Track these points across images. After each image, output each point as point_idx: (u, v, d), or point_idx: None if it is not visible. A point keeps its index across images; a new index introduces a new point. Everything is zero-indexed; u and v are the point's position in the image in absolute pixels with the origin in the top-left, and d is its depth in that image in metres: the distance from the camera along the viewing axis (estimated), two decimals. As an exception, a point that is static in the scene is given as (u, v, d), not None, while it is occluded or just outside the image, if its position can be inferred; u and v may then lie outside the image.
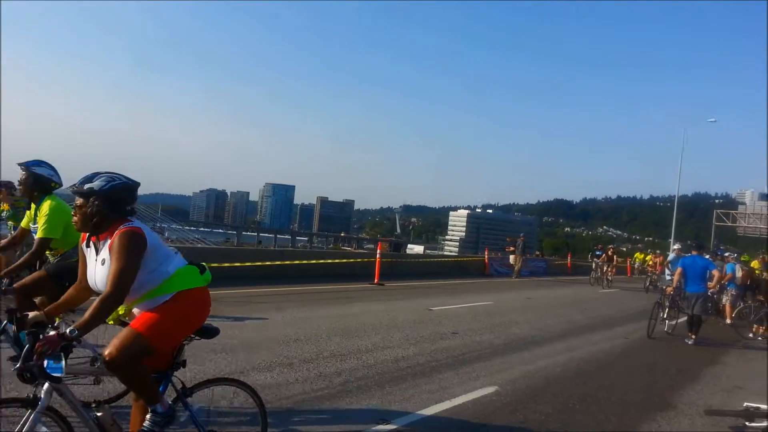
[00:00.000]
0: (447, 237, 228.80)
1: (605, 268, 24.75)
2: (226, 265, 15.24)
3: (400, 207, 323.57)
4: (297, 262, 18.34)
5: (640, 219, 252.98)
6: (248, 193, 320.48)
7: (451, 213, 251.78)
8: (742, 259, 17.56)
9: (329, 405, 5.63)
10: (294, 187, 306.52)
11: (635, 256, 32.85)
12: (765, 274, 16.81)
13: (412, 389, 6.43)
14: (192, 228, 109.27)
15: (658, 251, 31.92)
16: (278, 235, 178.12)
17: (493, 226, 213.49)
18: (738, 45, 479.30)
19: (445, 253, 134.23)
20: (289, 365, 6.95)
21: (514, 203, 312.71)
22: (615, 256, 26.62)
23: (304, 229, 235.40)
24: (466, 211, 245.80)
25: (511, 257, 27.85)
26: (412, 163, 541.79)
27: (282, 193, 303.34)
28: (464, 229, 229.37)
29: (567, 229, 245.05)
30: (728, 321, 14.76)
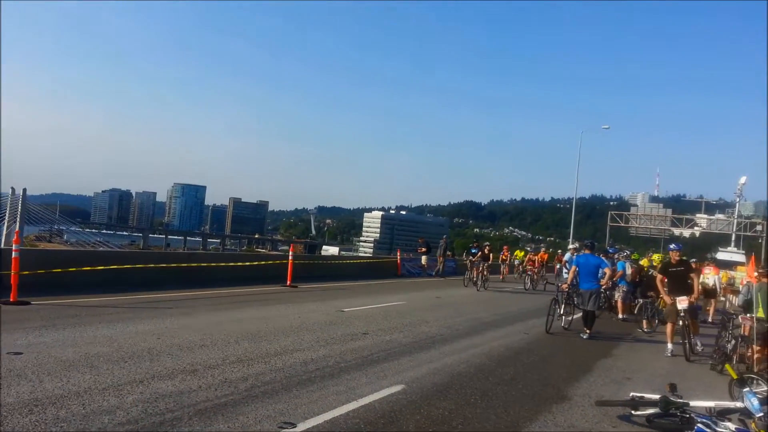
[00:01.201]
0: (362, 238, 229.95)
1: (480, 267, 22.67)
2: (128, 267, 14.62)
3: (315, 208, 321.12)
4: (207, 264, 17.81)
5: (542, 220, 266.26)
6: (155, 194, 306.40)
7: (366, 214, 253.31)
8: (632, 257, 18.88)
9: (234, 411, 5.53)
10: (205, 187, 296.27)
11: (516, 253, 32.75)
12: (653, 271, 18.23)
13: (319, 391, 6.45)
14: (93, 230, 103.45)
15: (543, 248, 32.58)
16: (188, 238, 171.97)
17: (406, 227, 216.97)
18: (628, 56, 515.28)
19: (360, 254, 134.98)
20: (192, 372, 6.77)
21: (426, 204, 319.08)
22: (491, 254, 25.30)
23: (217, 231, 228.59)
24: (380, 213, 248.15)
25: (423, 258, 28.55)
26: (327, 165, 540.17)
27: (192, 193, 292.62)
28: (378, 230, 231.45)
29: (476, 229, 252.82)
30: (620, 316, 15.87)
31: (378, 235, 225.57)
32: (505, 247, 34.42)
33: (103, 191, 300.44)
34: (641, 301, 15.37)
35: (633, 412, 6.71)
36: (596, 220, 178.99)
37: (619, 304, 16.07)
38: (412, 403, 6.39)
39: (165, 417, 5.18)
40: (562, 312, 12.97)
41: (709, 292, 17.71)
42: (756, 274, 11.04)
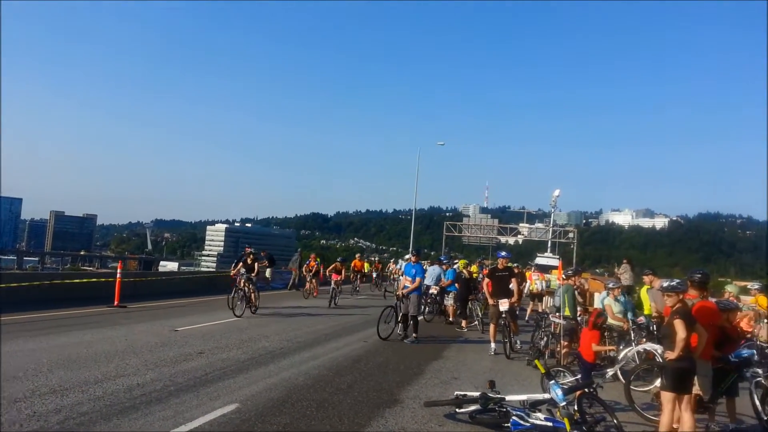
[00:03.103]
0: (204, 252, 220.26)
1: (308, 278, 22.90)
2: None
3: (152, 222, 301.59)
4: (17, 285, 15.86)
5: (385, 231, 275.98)
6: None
7: (209, 227, 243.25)
8: (461, 263, 20.23)
9: (41, 448, 5.00)
10: (21, 200, 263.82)
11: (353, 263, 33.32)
12: (481, 276, 19.69)
13: (143, 418, 6.06)
14: None
15: (375, 258, 33.71)
16: (1, 257, 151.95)
17: (252, 240, 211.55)
18: (462, 75, 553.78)
19: (202, 269, 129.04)
20: (-8, 409, 5.99)
21: (273, 217, 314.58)
22: (321, 266, 24.86)
23: (35, 248, 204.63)
24: (224, 225, 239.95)
25: (267, 270, 28.09)
26: (165, 175, 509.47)
27: (6, 206, 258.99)
28: (222, 243, 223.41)
29: (322, 241, 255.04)
30: (450, 319, 16.91)
31: (222, 248, 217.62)
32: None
33: None
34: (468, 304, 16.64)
35: (457, 410, 7.19)
36: (434, 230, 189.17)
37: (450, 309, 17.13)
38: (246, 421, 6.25)
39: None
40: (400, 319, 13.45)
41: (536, 295, 19.57)
42: (564, 277, 12.43)
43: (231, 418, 6.33)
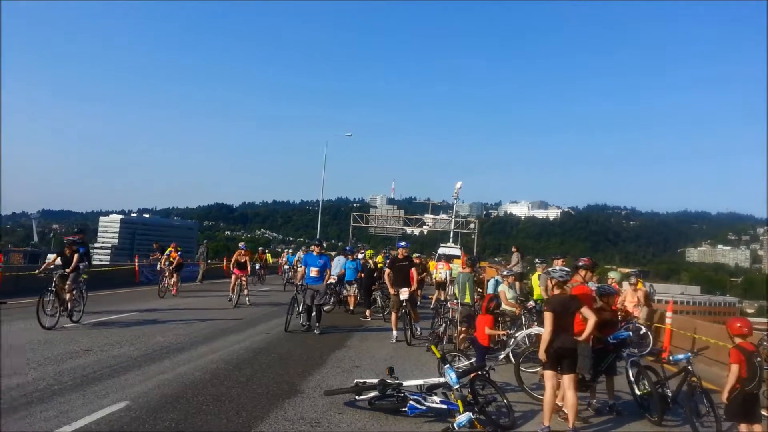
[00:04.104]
0: (97, 245, 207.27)
1: (167, 271, 19.85)
2: None
3: (38, 212, 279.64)
4: None
5: (293, 221, 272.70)
6: None
7: (102, 218, 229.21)
8: (367, 253, 20.46)
9: None
10: None
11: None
12: (384, 266, 20.01)
13: (23, 420, 5.68)
14: None
15: (262, 249, 32.56)
16: None
17: (150, 232, 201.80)
18: (368, 73, 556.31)
19: (94, 262, 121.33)
20: None
21: (173, 207, 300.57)
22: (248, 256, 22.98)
23: None
24: (120, 216, 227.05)
25: (160, 262, 26.95)
26: (54, 162, 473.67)
27: None
28: (117, 235, 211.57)
29: (227, 232, 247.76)
30: (351, 309, 17.06)
31: (116, 240, 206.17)
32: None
33: None
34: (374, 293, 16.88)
35: (357, 397, 7.30)
36: (341, 220, 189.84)
37: (350, 299, 17.20)
38: (136, 419, 6.01)
39: None
40: (300, 310, 13.38)
41: (440, 284, 20.10)
42: (465, 266, 12.91)
43: (120, 416, 6.06)
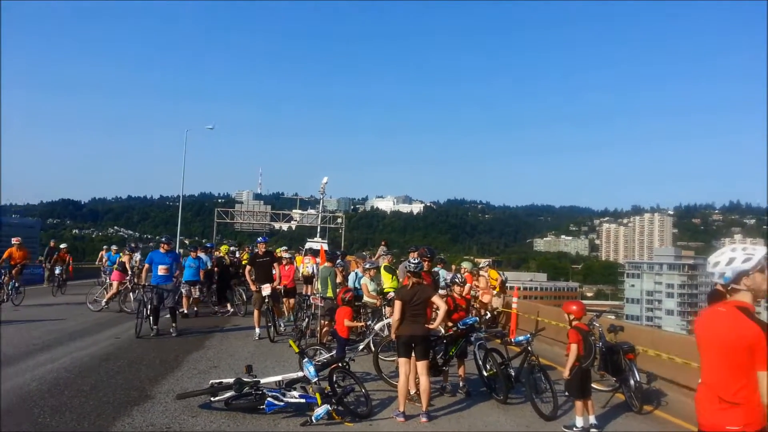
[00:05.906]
0: None
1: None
2: None
3: None
4: None
5: (151, 218, 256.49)
6: None
7: None
8: (223, 249, 20.03)
9: None
10: None
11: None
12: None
13: None
14: None
15: (65, 246, 30.10)
16: None
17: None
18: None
19: None
20: None
21: (12, 204, 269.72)
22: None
23: None
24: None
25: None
26: None
27: None
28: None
29: (75, 231, 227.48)
30: (183, 311, 15.70)
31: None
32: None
33: None
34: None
35: (212, 398, 7.08)
36: (205, 216, 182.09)
37: (184, 300, 15.79)
38: (-46, 440, 5.37)
39: None
40: (149, 312, 12.45)
41: (307, 279, 19.97)
42: (326, 260, 13.00)
43: (-66, 439, 5.38)
